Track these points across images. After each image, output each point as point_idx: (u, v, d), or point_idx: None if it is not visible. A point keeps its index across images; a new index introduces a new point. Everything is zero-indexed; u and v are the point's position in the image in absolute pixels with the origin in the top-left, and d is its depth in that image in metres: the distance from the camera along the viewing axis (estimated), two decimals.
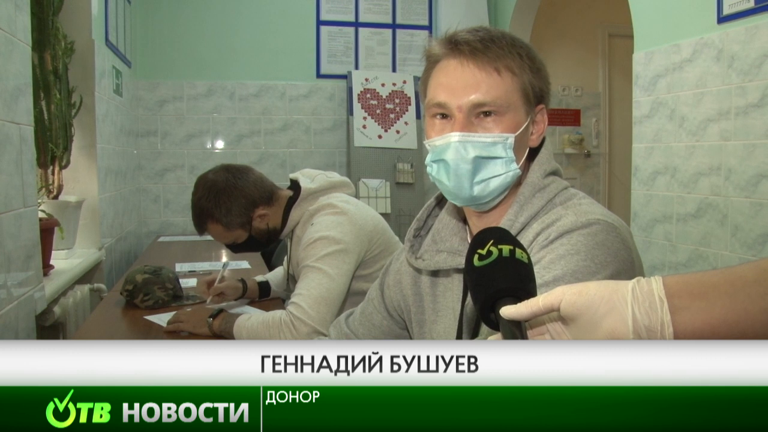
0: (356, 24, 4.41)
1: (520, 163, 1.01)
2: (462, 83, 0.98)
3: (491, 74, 0.98)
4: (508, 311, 0.63)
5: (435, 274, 1.12)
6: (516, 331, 0.63)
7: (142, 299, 1.91)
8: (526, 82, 1.00)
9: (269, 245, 1.93)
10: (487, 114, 0.98)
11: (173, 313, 1.76)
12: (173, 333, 1.69)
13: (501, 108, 0.98)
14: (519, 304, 0.64)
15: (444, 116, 1.00)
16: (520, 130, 0.99)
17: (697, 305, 0.60)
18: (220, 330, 1.65)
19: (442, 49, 1.01)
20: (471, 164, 0.97)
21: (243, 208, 1.78)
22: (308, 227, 1.75)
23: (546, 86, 1.03)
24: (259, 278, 2.07)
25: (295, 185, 1.87)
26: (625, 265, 0.92)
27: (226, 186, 1.78)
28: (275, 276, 2.10)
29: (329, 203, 1.78)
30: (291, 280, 1.91)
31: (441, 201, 1.14)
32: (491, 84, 0.97)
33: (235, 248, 1.89)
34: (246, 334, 1.61)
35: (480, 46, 0.98)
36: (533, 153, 1.05)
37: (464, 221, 1.10)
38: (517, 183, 1.03)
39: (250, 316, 1.65)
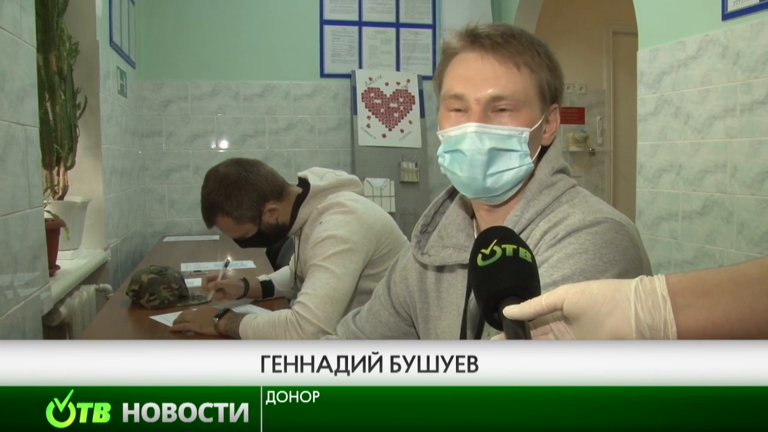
0: (360, 23, 4.41)
1: (533, 159, 1.01)
2: (481, 76, 0.98)
3: (511, 69, 0.98)
4: (511, 311, 0.63)
5: (440, 269, 1.12)
6: (519, 330, 0.63)
7: (147, 299, 1.92)
8: (543, 80, 1.00)
9: (277, 241, 1.92)
10: (503, 108, 0.98)
11: (179, 313, 1.76)
12: (179, 333, 1.69)
13: (518, 103, 0.98)
14: (522, 304, 0.64)
15: (460, 109, 1.00)
16: (535, 126, 1.00)
17: (701, 303, 0.59)
18: (225, 330, 1.65)
19: (461, 42, 1.01)
20: (486, 155, 0.98)
21: (253, 202, 1.78)
22: (316, 226, 1.75)
23: (561, 86, 1.04)
24: (263, 278, 2.07)
25: (304, 183, 1.87)
26: (634, 263, 0.92)
27: (237, 179, 1.78)
28: (280, 275, 2.09)
29: (338, 202, 1.77)
30: (298, 279, 1.91)
31: (449, 197, 1.14)
32: (510, 78, 0.98)
33: (243, 243, 1.88)
34: (252, 333, 1.60)
35: (501, 40, 0.98)
36: (542, 151, 1.05)
37: (472, 217, 1.10)
38: (527, 179, 1.03)
39: (256, 315, 1.65)
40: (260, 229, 1.82)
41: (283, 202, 1.82)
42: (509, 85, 0.97)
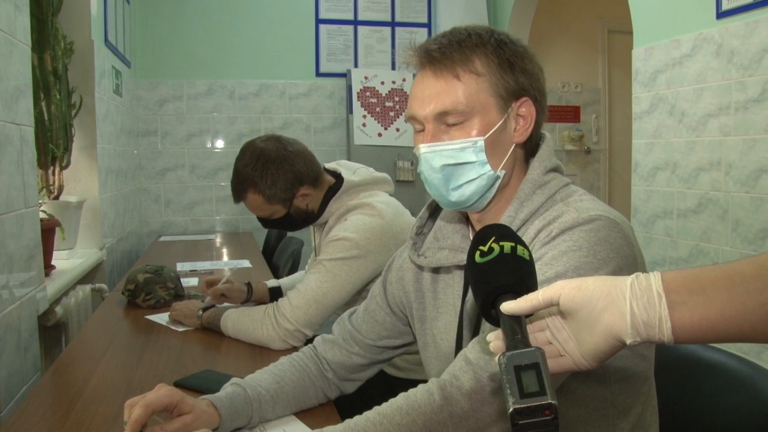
0: (355, 22, 4.40)
1: (503, 162, 1.00)
2: (424, 94, 0.99)
3: (450, 81, 0.97)
4: (508, 306, 0.64)
5: (436, 271, 1.12)
6: (516, 326, 0.63)
7: (143, 299, 1.92)
8: (494, 81, 0.98)
9: (302, 227, 1.83)
10: (452, 121, 0.98)
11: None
12: (176, 321, 1.74)
13: (464, 113, 0.97)
14: (519, 299, 0.64)
15: (419, 128, 1.02)
16: (492, 131, 0.98)
17: (695, 300, 0.60)
18: (208, 322, 1.65)
19: (415, 59, 1.02)
20: (440, 173, 0.98)
21: (288, 183, 1.69)
22: (340, 222, 1.69)
23: (527, 77, 1.00)
24: (272, 283, 2.02)
25: (335, 175, 1.80)
26: (627, 260, 0.92)
27: (276, 157, 1.70)
28: (290, 282, 2.04)
29: (369, 203, 1.70)
30: None
31: None
32: (450, 91, 0.97)
33: (267, 223, 1.80)
34: (231, 324, 1.60)
35: (438, 54, 0.98)
36: (533, 149, 1.05)
37: (466, 218, 1.10)
38: (517, 180, 1.03)
39: (240, 309, 1.64)
40: (289, 213, 1.74)
41: (317, 190, 1.75)
42: (449, 98, 0.96)
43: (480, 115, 0.97)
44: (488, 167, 0.98)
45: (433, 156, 0.98)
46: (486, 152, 0.98)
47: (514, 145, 1.01)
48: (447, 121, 0.98)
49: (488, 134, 0.98)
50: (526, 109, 1.01)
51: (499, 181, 1.01)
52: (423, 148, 0.99)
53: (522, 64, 1.00)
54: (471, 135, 0.97)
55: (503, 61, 0.98)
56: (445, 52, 0.97)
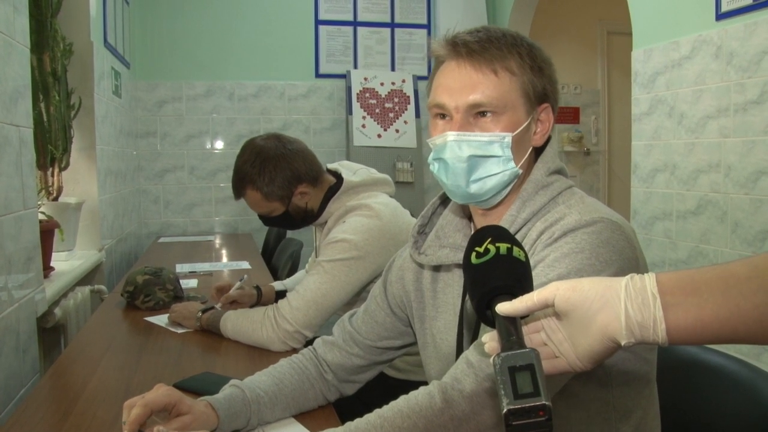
0: (355, 23, 4.41)
1: (521, 162, 1.01)
2: (459, 84, 0.99)
3: (488, 75, 0.99)
4: (503, 308, 0.64)
5: (436, 269, 1.12)
6: (511, 327, 0.63)
7: (143, 300, 1.91)
8: (526, 82, 1.00)
9: (301, 226, 1.84)
10: (484, 114, 0.99)
11: None
12: (175, 323, 1.74)
13: (498, 108, 0.98)
14: (514, 301, 0.64)
15: (444, 116, 1.01)
16: (519, 129, 1.00)
17: (690, 302, 0.60)
18: (207, 324, 1.65)
19: (444, 50, 1.02)
20: (466, 163, 0.99)
21: (286, 181, 1.72)
22: (339, 224, 1.70)
23: (550, 85, 1.04)
24: (278, 286, 2.02)
25: (335, 176, 1.82)
26: (630, 263, 0.92)
27: (274, 155, 1.72)
28: (294, 282, 2.05)
29: (367, 204, 1.71)
30: None
31: (446, 198, 1.15)
32: (488, 85, 0.98)
33: (267, 221, 1.83)
34: (231, 326, 1.60)
35: (477, 47, 0.99)
36: (538, 151, 1.05)
37: (469, 218, 1.11)
38: (520, 181, 1.03)
39: (240, 311, 1.64)
40: (287, 210, 1.76)
41: (316, 189, 1.77)
42: (486, 92, 0.98)
43: (509, 113, 0.99)
44: (512, 164, 1.00)
45: (462, 144, 0.99)
46: (511, 149, 1.00)
47: (531, 147, 1.03)
48: (478, 114, 0.99)
49: (516, 132, 1.00)
50: (546, 114, 1.04)
51: (517, 179, 1.02)
52: (451, 135, 0.99)
53: (549, 71, 1.03)
54: (501, 130, 0.99)
55: (535, 65, 1.01)
56: (485, 46, 0.99)
